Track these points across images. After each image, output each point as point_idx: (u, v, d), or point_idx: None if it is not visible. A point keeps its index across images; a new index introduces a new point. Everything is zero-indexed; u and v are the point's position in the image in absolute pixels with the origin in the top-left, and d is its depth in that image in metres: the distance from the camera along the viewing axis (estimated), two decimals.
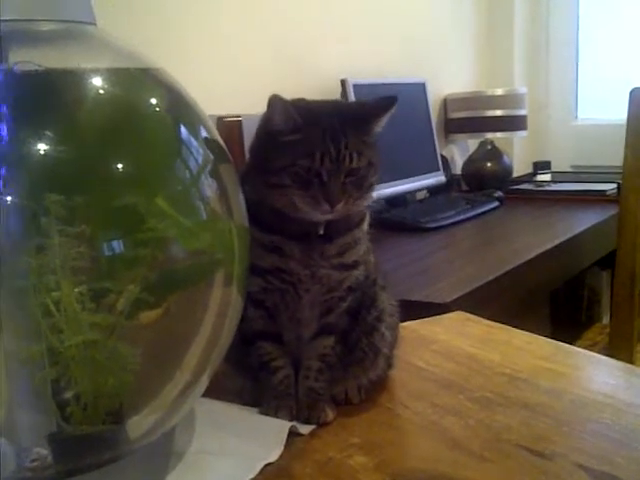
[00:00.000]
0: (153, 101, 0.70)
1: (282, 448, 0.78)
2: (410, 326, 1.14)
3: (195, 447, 0.79)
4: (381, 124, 0.85)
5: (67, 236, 0.57)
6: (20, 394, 0.61)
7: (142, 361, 0.62)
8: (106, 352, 0.61)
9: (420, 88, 2.71)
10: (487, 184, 2.89)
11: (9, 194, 0.56)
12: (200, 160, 0.69)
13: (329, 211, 0.79)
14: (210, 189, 0.69)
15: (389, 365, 0.96)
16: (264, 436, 0.80)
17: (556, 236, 2.17)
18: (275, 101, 0.80)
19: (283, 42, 2.26)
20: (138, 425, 0.67)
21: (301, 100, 0.85)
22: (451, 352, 1.07)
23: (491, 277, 1.72)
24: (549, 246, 2.06)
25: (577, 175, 3.25)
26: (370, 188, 0.84)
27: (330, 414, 0.86)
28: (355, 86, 2.29)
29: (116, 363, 0.61)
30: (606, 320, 2.84)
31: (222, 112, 1.59)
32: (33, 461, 0.61)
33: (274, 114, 0.80)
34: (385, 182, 2.28)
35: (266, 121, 0.82)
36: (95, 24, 0.69)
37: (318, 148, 0.79)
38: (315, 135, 0.79)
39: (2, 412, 0.59)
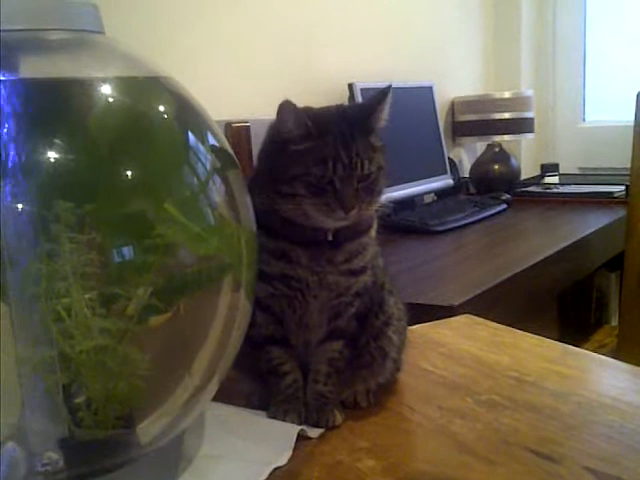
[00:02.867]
0: (161, 109, 0.71)
1: (291, 452, 0.78)
2: (418, 329, 1.14)
3: (204, 451, 0.79)
4: (383, 117, 0.85)
5: (77, 243, 0.57)
6: (32, 399, 0.61)
7: (152, 366, 0.63)
8: (116, 357, 0.61)
9: (427, 91, 2.71)
10: (495, 187, 2.89)
11: (20, 202, 0.57)
12: (208, 166, 0.69)
13: (343, 218, 0.80)
14: (218, 195, 0.70)
15: (397, 369, 0.97)
16: (273, 440, 0.81)
17: (564, 238, 2.17)
18: (287, 107, 0.80)
19: (290, 46, 2.26)
20: (148, 429, 0.67)
21: (308, 108, 0.85)
22: (459, 355, 1.07)
23: (499, 280, 1.73)
24: (557, 248, 2.06)
25: (585, 177, 3.24)
26: (380, 192, 0.84)
27: (339, 418, 0.86)
28: (363, 90, 2.29)
29: (126, 368, 0.62)
30: (614, 322, 2.83)
31: (230, 117, 1.59)
32: (44, 465, 0.62)
33: (286, 120, 0.80)
34: (393, 185, 2.28)
35: (276, 129, 0.82)
36: (104, 33, 0.70)
37: (330, 155, 0.79)
38: (326, 142, 0.79)
39: (15, 418, 0.60)
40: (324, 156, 0.79)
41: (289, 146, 0.80)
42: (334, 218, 0.80)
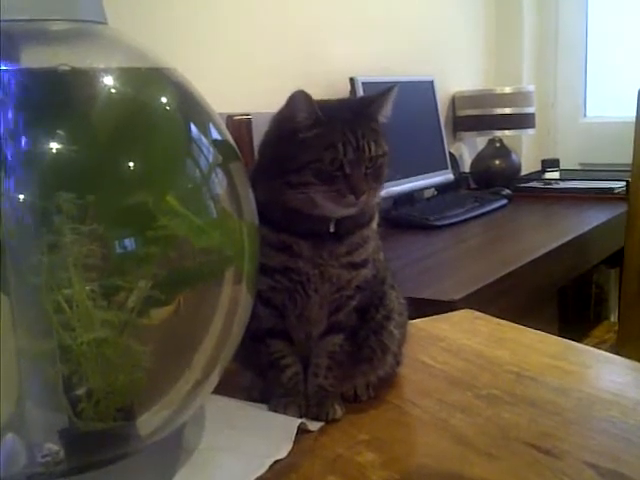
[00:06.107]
0: (164, 100, 0.70)
1: (291, 445, 0.78)
2: (418, 324, 1.14)
3: (205, 444, 0.79)
4: (386, 112, 0.86)
5: (79, 234, 0.57)
6: (32, 390, 0.61)
7: (153, 358, 0.62)
8: (117, 349, 0.61)
9: (428, 86, 2.71)
10: (495, 182, 2.89)
11: (22, 192, 0.57)
12: (210, 158, 0.69)
13: (354, 203, 0.80)
14: (220, 187, 0.70)
15: (397, 362, 0.97)
16: (273, 433, 0.81)
17: (564, 234, 2.17)
18: (301, 96, 0.80)
19: (292, 40, 2.26)
20: (149, 422, 0.67)
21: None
22: (459, 349, 1.07)
23: (499, 275, 1.73)
24: (557, 244, 2.06)
25: (586, 173, 3.24)
26: (384, 179, 0.85)
27: (339, 411, 0.86)
28: (364, 84, 2.29)
29: (127, 360, 0.62)
30: (614, 318, 2.84)
31: (232, 110, 1.59)
32: (44, 457, 0.62)
33: (299, 110, 0.80)
34: (393, 180, 2.28)
35: (286, 118, 0.82)
36: (106, 23, 0.69)
37: (339, 140, 0.80)
38: (334, 128, 0.80)
39: (14, 408, 0.60)
40: (333, 140, 0.80)
41: (297, 135, 0.81)
42: (344, 204, 0.80)
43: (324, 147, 0.80)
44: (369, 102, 0.85)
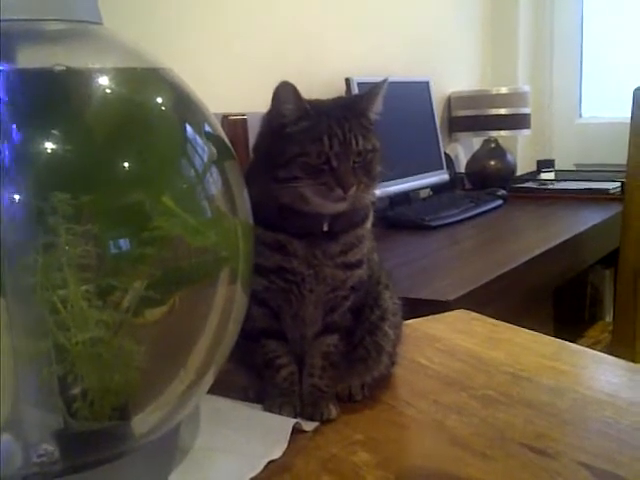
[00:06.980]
0: (159, 100, 0.70)
1: (286, 445, 0.78)
2: (413, 324, 1.14)
3: (199, 444, 0.79)
4: (376, 108, 0.86)
5: (74, 234, 0.57)
6: (27, 390, 0.61)
7: (148, 358, 0.62)
8: (112, 349, 0.61)
9: (424, 86, 2.71)
10: (491, 182, 2.90)
11: (17, 192, 0.56)
12: (206, 158, 0.69)
13: (342, 197, 0.80)
14: (215, 187, 0.70)
15: (392, 363, 0.97)
16: (268, 433, 0.81)
17: (559, 234, 2.17)
18: (286, 86, 0.81)
19: (288, 40, 2.26)
20: (143, 421, 0.67)
21: None
22: (454, 350, 1.07)
23: (494, 275, 1.73)
24: (552, 244, 2.06)
25: (581, 173, 3.25)
26: (377, 176, 0.85)
27: (334, 411, 0.86)
28: (360, 84, 2.29)
29: (122, 360, 0.62)
30: (609, 318, 2.84)
31: (227, 110, 1.59)
32: (40, 457, 0.61)
33: (284, 101, 0.81)
34: (389, 180, 2.29)
35: (274, 113, 0.83)
36: (102, 23, 0.69)
37: (325, 133, 0.80)
38: (321, 122, 0.81)
39: (9, 408, 0.60)
40: (320, 133, 0.80)
41: (285, 129, 0.81)
42: (333, 199, 0.80)
43: (310, 140, 0.80)
44: (359, 98, 0.86)
